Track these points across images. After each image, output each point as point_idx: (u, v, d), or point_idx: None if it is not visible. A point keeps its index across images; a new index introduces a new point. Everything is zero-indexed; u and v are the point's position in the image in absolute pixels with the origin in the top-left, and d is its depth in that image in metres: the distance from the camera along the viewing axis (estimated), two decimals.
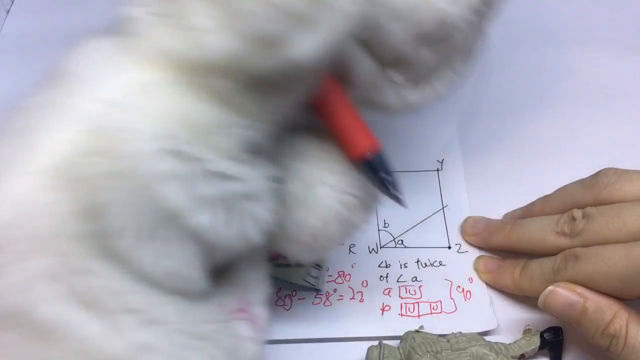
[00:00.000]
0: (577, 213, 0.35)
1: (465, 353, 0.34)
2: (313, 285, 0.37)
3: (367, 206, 0.29)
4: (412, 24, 0.27)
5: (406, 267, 0.39)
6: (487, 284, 0.39)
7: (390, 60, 0.28)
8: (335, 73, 0.26)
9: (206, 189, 0.22)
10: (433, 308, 0.38)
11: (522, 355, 0.35)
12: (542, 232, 0.37)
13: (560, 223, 0.36)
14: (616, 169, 0.37)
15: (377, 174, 0.27)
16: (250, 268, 0.29)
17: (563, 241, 0.36)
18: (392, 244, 0.40)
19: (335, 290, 0.37)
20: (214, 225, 0.23)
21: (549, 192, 0.40)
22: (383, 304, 0.37)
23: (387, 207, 0.40)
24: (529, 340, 0.35)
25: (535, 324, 0.37)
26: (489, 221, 0.40)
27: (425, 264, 0.39)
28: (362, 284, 0.38)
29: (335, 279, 0.38)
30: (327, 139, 0.28)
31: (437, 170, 0.43)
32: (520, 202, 0.41)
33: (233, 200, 0.23)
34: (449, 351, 0.34)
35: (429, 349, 0.34)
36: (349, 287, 0.38)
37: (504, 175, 0.43)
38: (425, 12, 0.27)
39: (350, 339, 0.36)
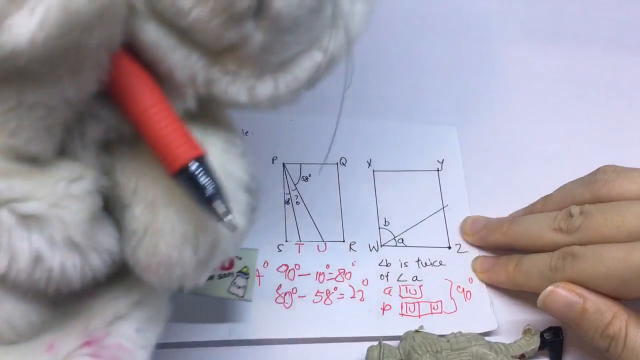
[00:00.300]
0: (575, 209, 0.35)
1: (465, 352, 0.34)
2: (241, 296, 0.33)
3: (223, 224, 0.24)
4: (213, 2, 0.20)
5: (406, 266, 0.39)
6: (486, 283, 0.39)
7: (217, 48, 0.22)
8: (150, 70, 0.21)
9: None
10: (433, 308, 0.38)
11: (522, 355, 0.35)
12: (539, 228, 0.37)
13: (557, 219, 0.36)
14: (616, 166, 0.37)
15: (200, 190, 0.21)
16: (114, 292, 0.25)
17: (560, 238, 0.36)
18: (393, 243, 0.40)
19: (335, 289, 0.37)
20: None
21: (549, 192, 0.40)
22: (384, 303, 0.37)
23: (387, 205, 0.41)
24: (529, 340, 0.35)
25: (535, 324, 0.37)
26: (487, 220, 0.40)
27: (426, 263, 0.39)
28: (363, 282, 0.38)
29: (336, 277, 0.38)
30: None
31: (437, 170, 0.43)
32: (521, 202, 0.41)
33: (9, 224, 0.20)
34: (449, 351, 0.34)
35: (429, 349, 0.34)
36: (350, 285, 0.38)
37: (504, 175, 0.43)
38: None
39: (350, 338, 0.36)
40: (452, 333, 0.35)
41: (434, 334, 0.35)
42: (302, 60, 0.24)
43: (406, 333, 0.35)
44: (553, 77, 0.49)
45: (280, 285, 0.37)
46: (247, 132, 0.42)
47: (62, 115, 0.20)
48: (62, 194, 0.21)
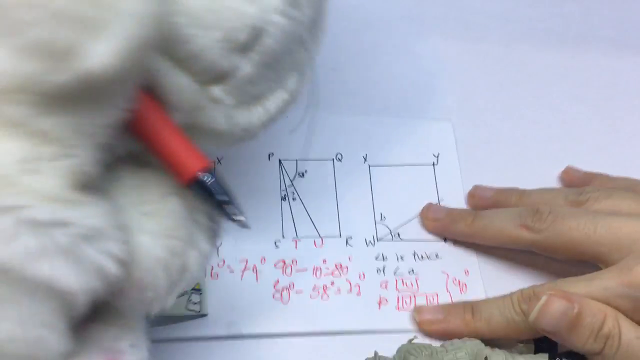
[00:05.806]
0: (544, 208, 0.36)
1: (460, 352, 0.34)
2: (198, 311, 0.34)
3: (196, 246, 0.26)
4: (219, 32, 0.24)
5: (403, 260, 0.39)
6: (481, 276, 0.39)
7: (210, 76, 0.25)
8: (151, 92, 0.24)
9: (30, 240, 0.19)
10: (430, 301, 0.38)
11: None
12: (505, 224, 0.37)
13: (523, 216, 0.36)
14: (600, 187, 0.38)
15: (212, 195, 0.24)
16: (122, 310, 0.26)
17: (526, 235, 0.36)
18: (389, 237, 0.40)
19: (332, 284, 0.38)
20: (59, 274, 0.20)
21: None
22: (380, 297, 0.37)
23: (383, 200, 0.41)
24: (522, 348, 0.35)
25: None
26: (450, 209, 0.40)
27: (422, 256, 0.39)
28: (360, 276, 0.38)
29: (332, 272, 0.38)
30: (150, 172, 0.25)
31: (433, 164, 0.43)
32: None
33: (74, 244, 0.20)
34: (444, 352, 0.34)
35: (425, 352, 0.34)
36: (347, 280, 0.38)
37: (499, 169, 0.43)
38: (231, 18, 0.24)
39: (347, 332, 0.36)
40: (449, 341, 0.35)
41: (428, 344, 0.35)
42: (271, 97, 0.28)
43: (401, 345, 0.35)
44: (553, 77, 0.49)
45: (278, 280, 0.37)
46: None
47: (106, 138, 0.22)
48: (104, 213, 0.22)
